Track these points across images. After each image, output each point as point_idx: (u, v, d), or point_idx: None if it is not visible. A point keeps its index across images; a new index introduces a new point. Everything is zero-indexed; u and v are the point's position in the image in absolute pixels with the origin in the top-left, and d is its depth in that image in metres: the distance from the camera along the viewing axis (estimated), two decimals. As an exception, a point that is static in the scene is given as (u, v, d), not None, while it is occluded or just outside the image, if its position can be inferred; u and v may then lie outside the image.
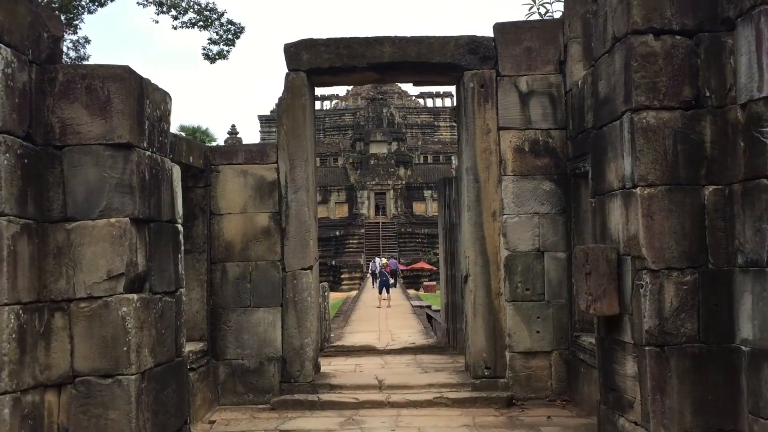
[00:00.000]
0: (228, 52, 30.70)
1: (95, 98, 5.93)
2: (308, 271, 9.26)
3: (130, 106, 5.99)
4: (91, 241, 5.85)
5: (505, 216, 9.25)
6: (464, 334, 9.99)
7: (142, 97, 6.27)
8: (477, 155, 9.33)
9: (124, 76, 6.01)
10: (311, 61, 9.34)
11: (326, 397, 9.04)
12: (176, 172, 7.06)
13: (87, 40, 30.23)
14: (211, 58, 30.87)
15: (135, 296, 5.96)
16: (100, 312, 5.83)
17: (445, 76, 9.80)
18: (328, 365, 12.11)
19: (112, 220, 5.87)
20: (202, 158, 9.11)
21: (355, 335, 19.07)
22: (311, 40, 9.36)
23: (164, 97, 6.83)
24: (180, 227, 7.07)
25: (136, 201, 5.99)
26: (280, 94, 9.39)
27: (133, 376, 5.83)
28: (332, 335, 19.44)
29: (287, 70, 9.37)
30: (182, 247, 7.11)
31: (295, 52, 9.35)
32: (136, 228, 6.05)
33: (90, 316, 5.83)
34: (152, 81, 6.60)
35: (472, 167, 9.34)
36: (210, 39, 30.45)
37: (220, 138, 68.40)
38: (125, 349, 5.83)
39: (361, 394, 9.09)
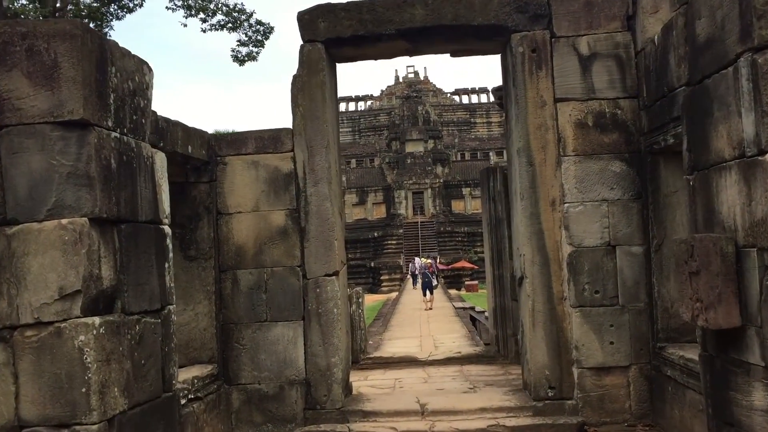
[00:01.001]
0: (257, 53, 29.56)
1: (39, 63, 4.48)
2: (333, 277, 7.74)
3: (85, 72, 4.53)
4: (37, 250, 4.41)
5: (566, 205, 7.61)
6: (521, 346, 8.36)
7: (105, 63, 4.81)
8: (530, 133, 7.70)
9: (76, 33, 4.54)
10: (329, 29, 7.81)
11: (358, 427, 7.49)
12: (160, 160, 5.59)
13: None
14: (240, 60, 29.77)
15: (97, 320, 4.49)
16: (51, 342, 4.38)
17: (488, 42, 8.18)
18: (364, 380, 10.61)
19: (65, 221, 4.43)
20: (204, 148, 7.65)
21: (395, 342, 17.53)
22: (329, 4, 7.83)
23: (139, 66, 5.37)
24: (167, 229, 5.61)
25: (97, 196, 4.53)
26: (295, 71, 7.90)
27: (95, 426, 4.36)
28: (371, 342, 17.94)
29: (302, 42, 7.86)
30: (170, 254, 5.64)
31: (311, 20, 7.84)
32: (99, 231, 4.59)
33: (38, 348, 4.38)
34: (122, 46, 5.15)
35: (524, 148, 7.71)
36: (239, 41, 29.39)
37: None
38: (84, 390, 4.37)
39: (400, 422, 7.53)
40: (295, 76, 7.86)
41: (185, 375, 6.94)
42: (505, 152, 12.66)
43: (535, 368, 7.62)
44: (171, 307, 5.57)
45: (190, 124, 7.25)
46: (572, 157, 7.64)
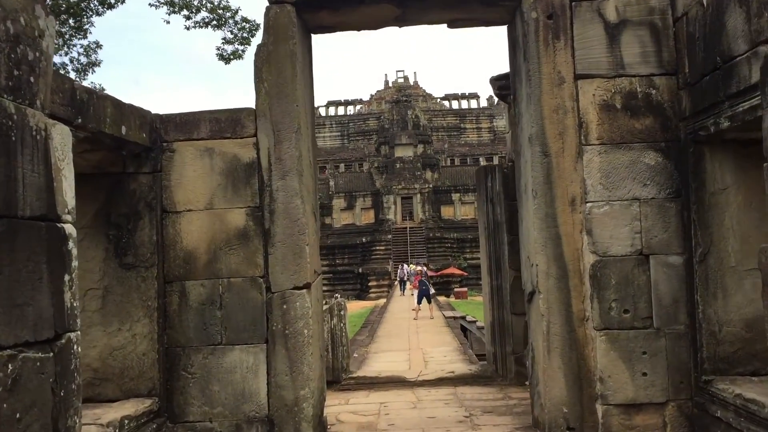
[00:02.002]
0: (243, 51, 28.07)
1: None
2: (304, 291, 6.22)
3: None
4: None
5: (589, 204, 6.14)
6: (531, 374, 6.87)
7: (-38, -11, 3.30)
8: (545, 117, 6.23)
9: None
10: (302, -12, 6.34)
11: (333, 477, 5.99)
12: (61, 136, 4.06)
13: (98, 45, 27.81)
14: (225, 59, 28.25)
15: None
16: None
17: (493, 8, 6.69)
18: (345, 404, 9.12)
19: None
20: (146, 131, 6.13)
21: (381, 356, 16.04)
22: (301, -42, 6.36)
23: (28, 5, 3.85)
24: (68, 228, 4.08)
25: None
26: (259, 40, 6.40)
27: None
28: (356, 355, 16.44)
29: (268, 4, 6.36)
30: (74, 262, 4.10)
31: (279, -23, 6.35)
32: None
33: None
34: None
35: (537, 135, 6.24)
36: (224, 39, 27.90)
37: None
38: None
39: (385, 470, 6.04)
40: (259, 46, 6.35)
41: (114, 414, 5.41)
42: (507, 142, 11.21)
43: (550, 404, 6.13)
44: (73, 335, 4.02)
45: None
46: (596, 146, 6.17)
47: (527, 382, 10.75)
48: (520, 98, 6.69)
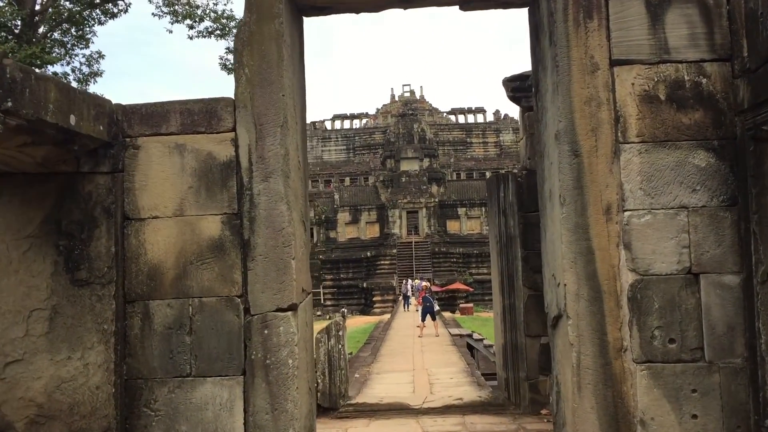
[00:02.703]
0: None
1: None
2: (289, 313, 5.19)
3: None
4: None
5: (627, 213, 5.12)
6: (556, 413, 5.82)
7: None
8: (575, 110, 5.23)
9: None
10: (290, -40, 5.37)
11: None
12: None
13: (101, 55, 27.18)
14: (229, 69, 27.52)
15: None
16: None
17: (514, -15, 5.73)
18: (342, 435, 8.12)
19: None
20: (103, 123, 5.15)
21: (384, 377, 14.98)
22: (290, -75, 5.39)
23: None
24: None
25: None
26: (240, 19, 5.43)
27: None
28: (357, 375, 15.41)
29: (251, -23, 5.40)
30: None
31: (264, -53, 5.38)
32: None
33: None
34: None
35: (566, 131, 5.24)
36: (227, 48, 27.16)
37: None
38: None
39: None
40: (240, 26, 5.38)
41: (54, 463, 4.40)
42: (521, 150, 10.22)
43: (581, 451, 5.09)
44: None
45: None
46: (636, 144, 5.16)
47: (543, 411, 9.71)
48: (544, 90, 5.68)
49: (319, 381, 9.89)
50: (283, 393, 5.13)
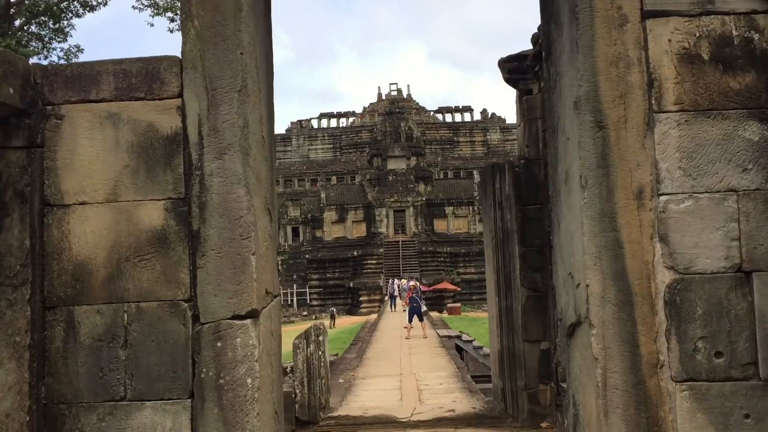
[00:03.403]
0: None
1: None
2: (248, 321, 4.16)
3: None
4: None
5: (663, 198, 4.14)
6: (571, 439, 4.82)
7: None
8: (599, 71, 4.23)
9: None
10: None
11: None
12: None
13: (79, 49, 26.09)
14: None
15: None
16: None
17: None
18: (321, 455, 7.09)
19: None
20: (15, 86, 4.08)
21: (369, 383, 13.95)
22: None
23: None
24: None
25: None
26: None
27: None
28: (341, 380, 14.40)
29: None
30: None
31: None
32: None
33: None
34: None
35: (588, 98, 4.24)
36: None
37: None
38: None
39: None
40: (188, -32, 4.34)
41: None
42: (518, 137, 9.23)
43: (608, 490, 4.09)
44: None
45: None
46: (674, 114, 4.18)
47: (543, 424, 8.73)
48: (559, 52, 4.68)
49: (297, 391, 8.86)
50: (240, 420, 4.09)
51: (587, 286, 4.18)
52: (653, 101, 4.19)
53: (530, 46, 8.76)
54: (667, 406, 4.06)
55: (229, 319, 4.15)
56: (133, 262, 4.22)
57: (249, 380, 4.11)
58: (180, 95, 4.29)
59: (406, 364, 16.70)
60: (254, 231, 4.23)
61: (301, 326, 41.25)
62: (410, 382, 13.90)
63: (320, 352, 9.10)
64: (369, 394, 12.61)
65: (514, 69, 9.24)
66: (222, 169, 4.22)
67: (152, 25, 26.57)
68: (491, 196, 9.32)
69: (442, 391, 12.87)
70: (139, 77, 4.30)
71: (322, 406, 9.11)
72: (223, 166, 4.22)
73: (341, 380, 14.79)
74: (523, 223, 8.91)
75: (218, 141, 4.23)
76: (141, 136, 4.28)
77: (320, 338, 9.13)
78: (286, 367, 9.82)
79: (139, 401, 4.15)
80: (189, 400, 4.13)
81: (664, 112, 4.18)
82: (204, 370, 4.13)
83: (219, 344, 4.14)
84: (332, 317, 40.08)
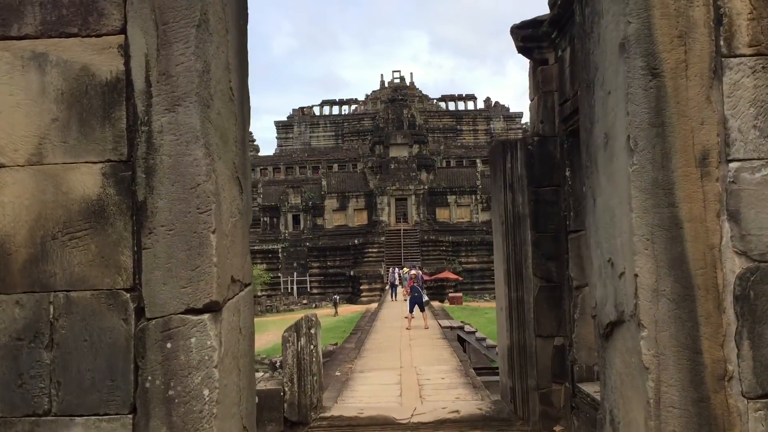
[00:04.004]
0: None
1: None
2: (206, 317, 3.26)
3: None
4: None
5: (734, 165, 3.22)
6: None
7: None
8: (653, 5, 3.31)
9: None
10: None
11: None
12: None
13: None
14: None
15: None
16: None
17: None
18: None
19: None
20: None
21: (368, 377, 13.08)
22: None
23: None
24: None
25: None
26: None
27: None
28: (337, 373, 13.57)
29: None
30: None
31: None
32: None
33: None
34: None
35: (638, 38, 3.32)
36: None
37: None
38: None
39: None
40: None
41: None
42: (530, 112, 8.29)
43: None
44: None
45: None
46: (748, 58, 3.26)
47: (556, 428, 7.88)
48: (597, -16, 3.75)
49: (286, 389, 7.99)
50: (195, 442, 3.19)
51: (635, 275, 3.27)
52: (721, 43, 3.27)
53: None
54: (737, 429, 3.16)
55: (181, 313, 3.25)
56: (61, 241, 3.31)
57: (206, 391, 3.21)
58: (123, 31, 3.36)
59: (406, 357, 15.84)
60: (215, 203, 3.32)
61: (301, 315, 40.53)
62: (411, 376, 13.04)
63: (312, 346, 8.22)
64: (367, 389, 11.76)
65: (528, 36, 8.31)
66: (175, 125, 3.30)
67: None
68: (501, 176, 8.41)
69: (445, 386, 12.02)
70: (72, 8, 3.37)
71: (314, 406, 8.24)
72: (177, 120, 3.30)
73: (338, 373, 13.94)
74: (537, 207, 8.05)
75: (170, 89, 3.31)
76: (73, 82, 3.36)
77: (312, 331, 8.25)
78: (275, 362, 8.95)
79: (67, 416, 3.25)
80: (130, 415, 3.23)
81: (735, 56, 3.26)
82: (149, 378, 3.23)
83: (169, 345, 3.24)
84: (335, 305, 39.48)
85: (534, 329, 7.94)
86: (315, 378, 8.24)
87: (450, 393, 11.23)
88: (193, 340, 3.23)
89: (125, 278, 3.29)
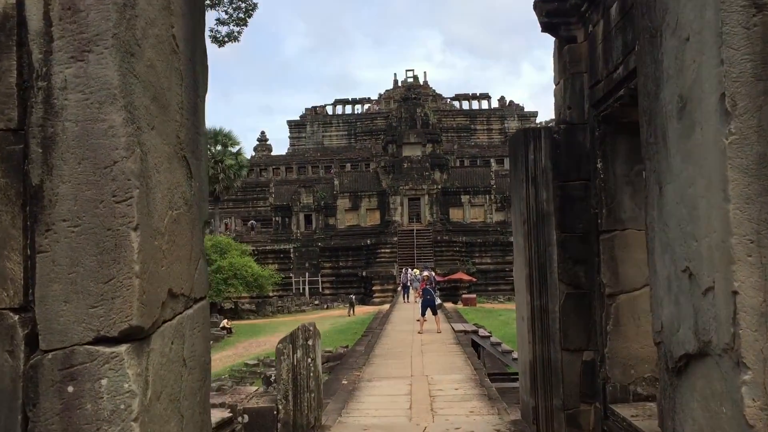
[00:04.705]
0: (239, 33, 24.89)
1: None
2: (123, 348, 2.30)
3: None
4: None
5: None
6: None
7: None
8: None
9: None
10: None
11: None
12: None
13: None
14: (219, 42, 24.96)
15: None
16: None
17: None
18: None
19: None
20: None
21: (375, 388, 12.11)
22: None
23: None
24: None
25: None
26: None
27: None
28: (344, 381, 12.64)
29: None
30: None
31: None
32: None
33: None
34: None
35: (735, -44, 2.32)
36: (218, 19, 24.60)
37: (246, 143, 62.30)
38: None
39: None
40: None
41: None
42: (555, 97, 7.26)
43: None
44: None
45: None
46: None
47: (585, 454, 6.89)
48: None
49: (280, 407, 7.03)
50: None
51: (734, 293, 2.26)
52: None
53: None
54: None
55: (89, 344, 2.28)
56: (-77, 241, 2.35)
57: (123, 456, 2.24)
58: (13, -51, 2.40)
59: (417, 364, 14.83)
60: (140, 188, 2.35)
61: (314, 315, 39.67)
62: (422, 386, 12.05)
63: (310, 360, 7.24)
64: (374, 401, 10.79)
65: (553, 11, 7.32)
66: (84, 78, 2.34)
67: None
68: (523, 169, 7.41)
69: (459, 398, 11.02)
70: None
71: (311, 426, 7.27)
72: (86, 72, 2.34)
73: (345, 381, 12.99)
74: (563, 203, 7.09)
75: (78, 28, 2.35)
76: (-56, 20, 2.40)
77: (310, 342, 7.27)
78: (270, 376, 8.00)
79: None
80: (14, 488, 2.27)
81: None
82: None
83: (71, 389, 2.27)
84: (351, 305, 38.71)
85: (560, 342, 6.99)
86: (313, 395, 7.26)
87: (464, 406, 10.25)
88: (104, 381, 2.26)
89: (12, 294, 2.33)
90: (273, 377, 7.63)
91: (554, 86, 7.81)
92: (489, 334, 21.35)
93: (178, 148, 2.71)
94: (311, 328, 7.39)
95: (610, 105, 6.38)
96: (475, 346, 19.86)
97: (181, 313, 2.67)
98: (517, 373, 18.99)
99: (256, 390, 7.77)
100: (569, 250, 7.07)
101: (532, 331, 7.20)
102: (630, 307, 6.66)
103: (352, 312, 37.53)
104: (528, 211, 7.28)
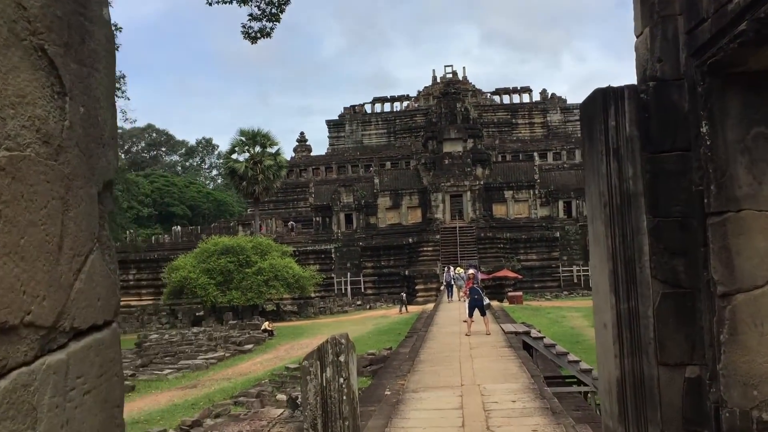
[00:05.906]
0: (272, 29, 23.88)
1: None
2: None
3: None
4: None
5: None
6: None
7: None
8: None
9: None
10: None
11: None
12: None
13: (117, 28, 23.94)
14: (252, 37, 24.01)
15: None
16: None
17: None
18: None
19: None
20: None
21: (422, 401, 10.68)
22: None
23: None
24: None
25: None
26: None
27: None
28: (387, 392, 11.27)
29: None
30: None
31: None
32: None
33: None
34: None
35: None
36: (250, 15, 23.67)
37: (286, 144, 61.42)
38: None
39: None
40: None
41: None
42: (637, 50, 5.70)
43: None
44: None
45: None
46: None
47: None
48: None
49: (308, 438, 5.64)
50: None
51: None
52: None
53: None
54: None
55: None
56: None
57: None
58: None
59: (467, 371, 13.32)
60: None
61: (356, 316, 38.35)
62: (474, 398, 10.56)
63: (342, 380, 5.83)
64: (421, 416, 9.37)
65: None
66: None
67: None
68: (601, 140, 5.86)
69: (517, 412, 9.53)
70: None
71: (347, 460, 5.85)
72: None
73: (388, 392, 11.60)
74: (655, 180, 5.59)
75: None
76: None
77: (341, 358, 5.86)
78: (296, 398, 6.62)
79: None
80: None
81: None
82: None
83: None
84: (402, 303, 37.63)
85: (655, 355, 5.49)
86: (347, 423, 5.85)
87: (524, 423, 8.77)
88: None
89: None
90: (299, 398, 6.25)
91: (635, 38, 6.25)
92: (542, 336, 19.72)
93: (23, 28, 1.30)
94: (343, 341, 5.98)
95: (722, 47, 4.81)
96: (527, 347, 18.28)
97: (27, 363, 1.26)
98: (573, 377, 17.40)
99: (280, 414, 6.40)
100: (664, 238, 5.54)
101: (619, 341, 5.65)
102: (751, 309, 5.10)
103: (405, 310, 36.57)
104: (610, 191, 5.73)
